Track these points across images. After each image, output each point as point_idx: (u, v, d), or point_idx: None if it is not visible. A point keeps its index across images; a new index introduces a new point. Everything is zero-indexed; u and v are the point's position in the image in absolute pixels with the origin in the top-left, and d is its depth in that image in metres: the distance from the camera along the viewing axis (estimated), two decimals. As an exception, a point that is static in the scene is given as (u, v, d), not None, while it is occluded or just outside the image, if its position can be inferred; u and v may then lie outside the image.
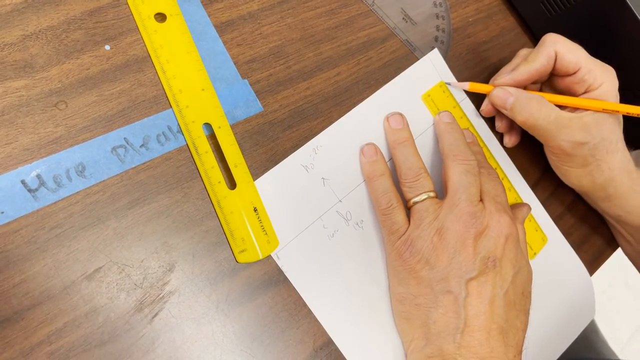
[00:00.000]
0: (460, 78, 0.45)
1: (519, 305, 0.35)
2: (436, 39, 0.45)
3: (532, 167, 0.46)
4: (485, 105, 0.43)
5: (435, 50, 0.44)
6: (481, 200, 0.35)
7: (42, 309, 0.28)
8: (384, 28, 0.43)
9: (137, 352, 0.30)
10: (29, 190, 0.29)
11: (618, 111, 0.40)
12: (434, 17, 0.45)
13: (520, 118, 0.40)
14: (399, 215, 0.35)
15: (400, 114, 0.39)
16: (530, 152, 0.46)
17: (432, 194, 0.35)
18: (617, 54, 0.44)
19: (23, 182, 0.29)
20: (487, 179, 0.37)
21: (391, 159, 0.39)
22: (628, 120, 0.43)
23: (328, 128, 0.38)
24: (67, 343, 0.28)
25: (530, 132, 0.41)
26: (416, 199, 0.35)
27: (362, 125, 0.39)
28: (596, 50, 0.45)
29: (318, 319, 0.34)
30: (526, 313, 0.36)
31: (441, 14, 0.46)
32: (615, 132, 0.41)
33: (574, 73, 0.40)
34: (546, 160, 0.44)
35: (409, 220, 0.35)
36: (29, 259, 0.29)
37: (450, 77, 0.44)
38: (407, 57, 0.43)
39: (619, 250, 0.51)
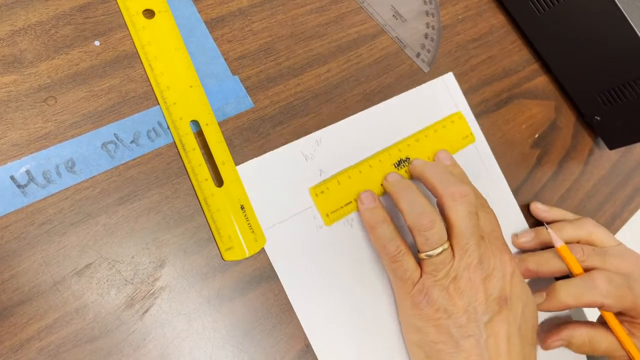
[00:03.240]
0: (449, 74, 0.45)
1: (530, 338, 0.36)
2: (426, 36, 0.45)
3: (518, 169, 0.47)
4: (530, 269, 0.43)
5: (450, 74, 0.45)
6: (481, 235, 0.36)
7: (32, 304, 0.28)
8: (374, 25, 0.43)
9: (128, 348, 0.30)
10: (18, 186, 0.29)
11: None
12: (423, 14, 0.46)
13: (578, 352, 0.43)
14: (410, 261, 0.35)
15: (396, 173, 0.39)
16: (516, 153, 0.47)
17: (446, 245, 0.34)
18: (604, 52, 0.45)
19: (12, 177, 0.29)
20: (483, 214, 0.37)
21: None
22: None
23: (335, 124, 0.39)
24: (57, 339, 0.28)
25: None
26: (432, 253, 0.34)
27: (368, 127, 0.40)
28: (584, 48, 0.45)
29: (293, 305, 0.34)
30: (535, 346, 0.37)
31: (431, 11, 0.46)
32: None
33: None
34: (531, 163, 0.44)
35: (420, 266, 0.35)
36: (18, 255, 0.28)
37: (463, 103, 0.45)
38: (397, 53, 0.43)
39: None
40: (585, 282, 0.40)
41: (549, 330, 0.43)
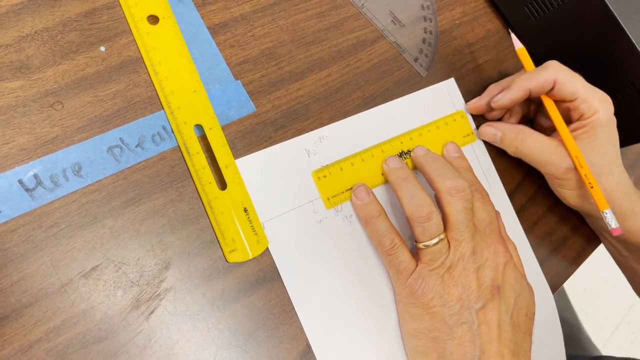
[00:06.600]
0: (447, 79, 0.46)
1: (523, 327, 0.37)
2: (424, 40, 0.46)
3: (514, 170, 0.47)
4: (474, 105, 0.45)
5: (452, 79, 0.46)
6: (476, 227, 0.37)
7: (40, 306, 0.29)
8: (373, 30, 0.44)
9: (134, 349, 0.30)
10: (26, 190, 0.30)
11: (582, 166, 0.41)
12: (421, 19, 0.46)
13: (509, 150, 0.44)
14: (405, 253, 0.36)
15: (397, 157, 0.40)
16: (512, 156, 0.47)
17: (443, 236, 0.35)
18: (599, 56, 0.45)
19: (20, 181, 0.30)
20: (480, 205, 0.38)
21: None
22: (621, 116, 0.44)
23: (337, 122, 0.40)
24: (65, 340, 0.29)
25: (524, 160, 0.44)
26: (429, 243, 0.35)
27: (371, 126, 0.41)
28: (578, 52, 0.46)
29: (289, 292, 0.35)
30: (530, 335, 0.37)
31: (428, 17, 0.47)
32: (606, 157, 0.42)
33: (571, 101, 0.41)
34: (527, 166, 0.45)
35: (414, 256, 0.36)
36: (26, 258, 0.29)
37: (463, 108, 0.46)
38: (395, 58, 0.44)
39: (600, 249, 0.52)
40: (539, 67, 0.42)
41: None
